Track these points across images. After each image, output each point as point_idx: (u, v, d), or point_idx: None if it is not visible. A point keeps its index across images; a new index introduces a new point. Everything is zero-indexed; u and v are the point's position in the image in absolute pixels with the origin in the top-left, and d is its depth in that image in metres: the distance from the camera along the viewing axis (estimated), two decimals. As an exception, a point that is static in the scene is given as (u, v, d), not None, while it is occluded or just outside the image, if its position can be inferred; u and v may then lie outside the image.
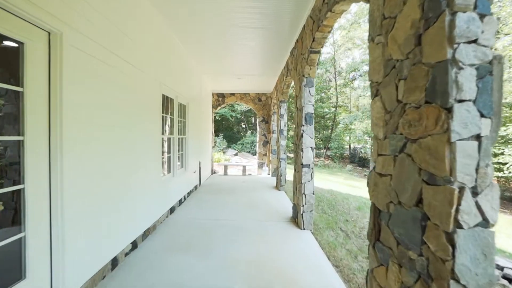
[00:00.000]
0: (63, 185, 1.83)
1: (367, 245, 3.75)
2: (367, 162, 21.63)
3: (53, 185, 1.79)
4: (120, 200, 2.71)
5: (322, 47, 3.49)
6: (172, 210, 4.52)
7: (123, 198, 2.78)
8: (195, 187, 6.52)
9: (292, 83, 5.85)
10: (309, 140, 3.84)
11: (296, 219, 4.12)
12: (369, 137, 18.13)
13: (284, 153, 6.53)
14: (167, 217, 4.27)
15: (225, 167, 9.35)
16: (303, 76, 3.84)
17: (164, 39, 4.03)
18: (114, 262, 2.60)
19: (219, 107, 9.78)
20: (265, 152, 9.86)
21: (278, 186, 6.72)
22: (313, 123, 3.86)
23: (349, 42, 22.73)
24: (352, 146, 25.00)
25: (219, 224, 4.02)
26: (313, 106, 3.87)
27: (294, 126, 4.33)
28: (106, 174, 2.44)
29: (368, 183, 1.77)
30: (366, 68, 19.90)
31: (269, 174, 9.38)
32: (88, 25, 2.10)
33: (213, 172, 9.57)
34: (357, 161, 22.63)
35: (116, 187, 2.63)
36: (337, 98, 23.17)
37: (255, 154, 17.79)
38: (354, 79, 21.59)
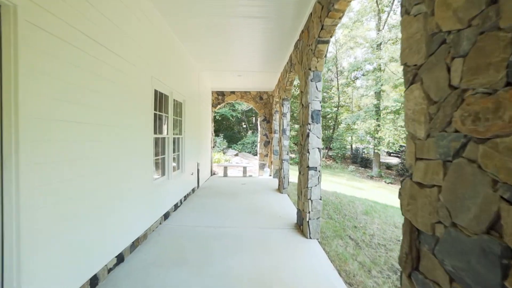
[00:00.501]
0: (20, 195, 1.47)
1: (380, 256, 3.39)
2: (369, 163, 21.23)
3: (6, 195, 1.43)
4: (102, 208, 2.35)
5: (331, 37, 3.12)
6: (166, 216, 4.17)
7: (106, 205, 2.42)
8: (193, 190, 6.16)
9: (296, 82, 5.51)
10: (316, 140, 3.48)
11: (301, 227, 3.76)
12: (372, 137, 17.72)
13: (287, 154, 6.17)
14: (160, 224, 3.91)
15: (225, 168, 9.00)
16: (309, 69, 3.48)
17: (158, 31, 3.67)
18: (94, 281, 2.24)
19: (218, 106, 9.43)
20: (266, 153, 9.49)
21: (280, 189, 6.35)
22: (321, 121, 3.50)
23: (351, 41, 22.36)
24: (354, 146, 24.62)
25: (217, 232, 3.66)
26: (320, 102, 3.50)
27: (299, 125, 3.96)
28: (83, 180, 2.08)
29: (400, 194, 1.41)
30: (369, 67, 19.51)
31: (270, 175, 9.02)
32: (55, 1, 1.74)
33: (212, 173, 9.21)
34: (359, 161, 22.25)
35: (97, 193, 2.27)
36: (339, 97, 22.80)
37: (256, 155, 17.42)
38: (357, 79, 21.20)
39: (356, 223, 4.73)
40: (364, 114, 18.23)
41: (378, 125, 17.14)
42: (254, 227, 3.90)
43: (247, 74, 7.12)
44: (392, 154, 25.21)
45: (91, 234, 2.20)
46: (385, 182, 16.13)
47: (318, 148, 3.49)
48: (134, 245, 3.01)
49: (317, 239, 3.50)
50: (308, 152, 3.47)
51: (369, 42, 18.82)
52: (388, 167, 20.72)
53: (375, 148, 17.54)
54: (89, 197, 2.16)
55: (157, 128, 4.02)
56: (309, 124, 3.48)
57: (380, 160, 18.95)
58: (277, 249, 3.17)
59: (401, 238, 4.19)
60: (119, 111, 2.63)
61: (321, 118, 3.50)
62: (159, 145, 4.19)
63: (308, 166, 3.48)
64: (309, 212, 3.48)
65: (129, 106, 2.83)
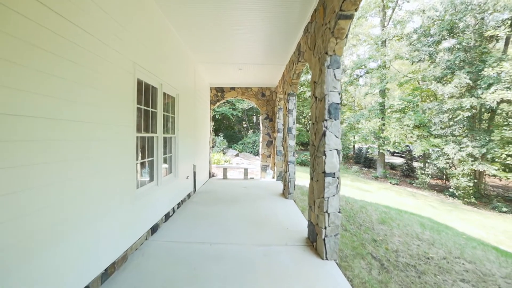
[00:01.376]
0: None
1: (413, 282, 2.74)
2: (373, 163, 20.57)
3: None
4: (58, 230, 1.70)
5: (356, 10, 2.47)
6: (154, 229, 3.52)
7: (64, 226, 1.77)
8: (188, 195, 5.52)
9: (303, 78, 4.85)
10: (334, 140, 2.82)
11: (314, 243, 3.11)
12: (376, 137, 17.04)
13: (293, 155, 5.51)
14: (146, 239, 3.27)
15: (225, 170, 8.34)
16: (326, 53, 2.82)
17: (144, 10, 3.01)
18: (38, 338, 1.59)
19: (218, 103, 8.77)
20: (269, 153, 8.83)
21: (285, 194, 5.70)
22: (340, 117, 2.84)
23: (354, 39, 21.69)
24: (356, 146, 23.94)
25: (214, 251, 3.01)
26: (339, 94, 2.85)
27: (311, 122, 3.31)
28: (21, 197, 1.44)
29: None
30: (373, 64, 18.84)
31: (273, 178, 8.37)
32: None
33: (211, 175, 8.56)
34: (363, 161, 21.60)
35: (47, 212, 1.63)
36: (341, 96, 22.12)
37: (257, 155, 16.76)
38: (360, 77, 20.51)
39: (375, 235, 4.08)
40: (368, 113, 17.56)
41: (383, 124, 16.47)
42: (258, 244, 3.25)
43: (248, 68, 6.46)
44: (395, 154, 24.55)
45: (39, 269, 1.55)
46: (390, 183, 15.49)
47: (337, 149, 2.84)
48: (107, 273, 2.36)
49: (335, 260, 2.85)
50: (325, 155, 2.82)
51: (373, 39, 18.12)
52: (392, 167, 20.08)
53: (380, 148, 16.87)
54: (34, 217, 1.51)
55: (143, 125, 3.38)
56: (326, 120, 2.82)
57: (384, 160, 18.30)
58: (288, 275, 2.52)
59: (430, 255, 3.46)
60: (77, 101, 1.97)
61: (339, 113, 2.85)
62: (146, 146, 3.54)
63: (324, 172, 2.82)
64: (325, 228, 2.83)
65: (96, 95, 2.17)
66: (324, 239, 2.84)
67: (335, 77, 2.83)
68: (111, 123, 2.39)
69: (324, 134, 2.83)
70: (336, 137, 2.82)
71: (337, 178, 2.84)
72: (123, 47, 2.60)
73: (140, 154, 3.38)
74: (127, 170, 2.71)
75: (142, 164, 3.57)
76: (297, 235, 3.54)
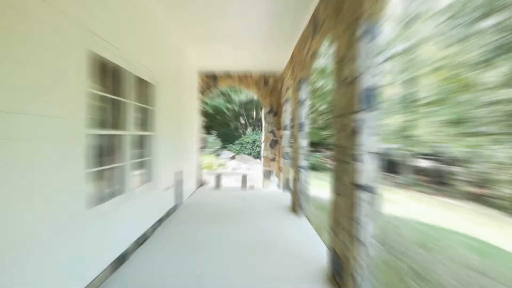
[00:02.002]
0: None
1: None
2: (396, 167, 20.11)
3: None
4: None
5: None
6: (122, 259, 3.05)
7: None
8: (172, 209, 5.06)
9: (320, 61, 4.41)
10: (370, 140, 2.36)
11: (339, 281, 2.65)
12: (400, 136, 16.59)
13: (306, 159, 5.06)
14: (110, 274, 2.80)
15: (218, 177, 7.89)
16: (357, 19, 2.36)
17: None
18: None
19: (210, 94, 8.30)
20: (273, 156, 8.37)
21: (295, 209, 5.25)
22: (379, 107, 2.38)
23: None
24: (376, 146, 23.47)
25: (200, 293, 2.55)
26: (378, 75, 2.39)
27: (334, 116, 2.85)
28: None
29: None
30: (394, 50, 18.38)
31: (278, 186, 7.92)
32: None
33: (201, 183, 8.11)
34: (382, 165, 21.18)
35: None
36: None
37: (258, 157, 16.31)
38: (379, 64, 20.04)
39: (414, 263, 3.63)
40: (389, 108, 17.13)
41: (409, 120, 16.05)
42: (262, 280, 2.78)
43: (246, 45, 5.95)
44: (424, 156, 24.06)
45: None
46: (417, 191, 15.08)
47: (375, 152, 2.38)
48: (44, 333, 1.90)
49: (371, 307, 2.40)
50: (356, 160, 2.36)
51: (397, 20, 17.65)
52: (420, 172, 19.65)
53: (405, 149, 16.44)
54: None
55: (103, 119, 2.92)
56: (358, 112, 2.36)
57: (410, 164, 17.89)
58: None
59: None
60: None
61: (378, 101, 2.38)
62: (108, 147, 3.08)
63: (355, 184, 2.37)
64: (356, 262, 2.37)
65: (32, 74, 1.71)
66: (355, 278, 2.38)
67: (372, 51, 2.36)
68: (41, 115, 1.92)
69: (355, 132, 2.37)
70: (374, 135, 2.36)
71: (375, 192, 2.38)
72: (73, 9, 2.14)
73: (97, 159, 2.92)
74: (71, 183, 2.23)
75: (103, 171, 3.11)
76: (315, 268, 3.08)
